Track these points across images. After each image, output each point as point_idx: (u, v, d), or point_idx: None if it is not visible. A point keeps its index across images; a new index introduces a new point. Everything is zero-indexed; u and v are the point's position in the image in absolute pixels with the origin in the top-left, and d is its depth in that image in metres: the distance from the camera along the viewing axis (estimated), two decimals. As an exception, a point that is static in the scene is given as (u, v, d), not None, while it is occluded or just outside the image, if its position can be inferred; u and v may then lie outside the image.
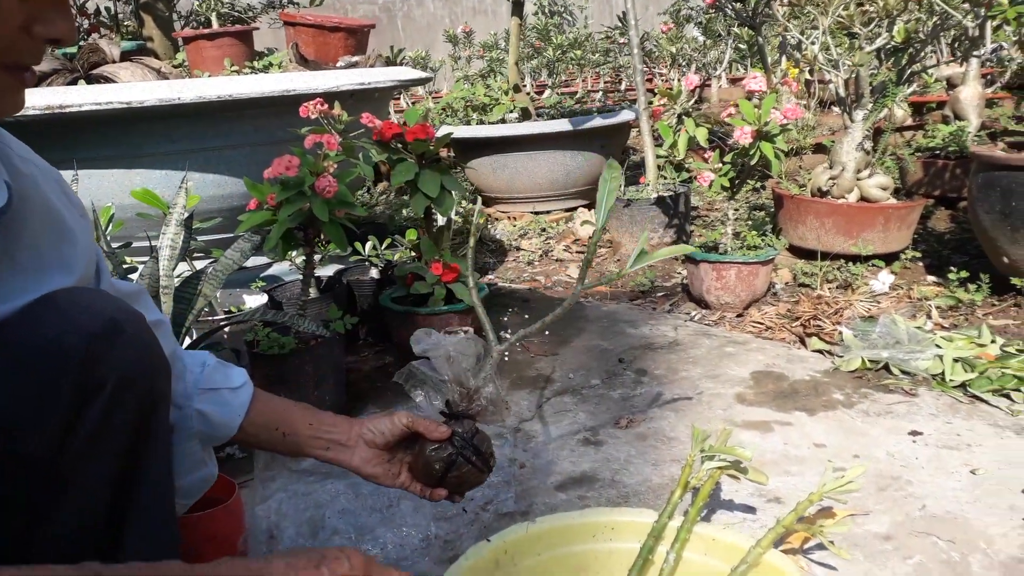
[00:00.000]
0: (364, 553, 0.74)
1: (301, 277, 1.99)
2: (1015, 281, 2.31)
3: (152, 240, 1.87)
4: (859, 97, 2.71)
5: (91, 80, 2.19)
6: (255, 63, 2.39)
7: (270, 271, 2.60)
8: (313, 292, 2.27)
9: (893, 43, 2.56)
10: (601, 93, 7.00)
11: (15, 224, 0.81)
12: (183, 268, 2.03)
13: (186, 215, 1.83)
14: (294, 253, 2.26)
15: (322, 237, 1.83)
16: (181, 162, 2.13)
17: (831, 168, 2.84)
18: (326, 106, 1.86)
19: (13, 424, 0.76)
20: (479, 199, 4.08)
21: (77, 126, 2.04)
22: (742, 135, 2.26)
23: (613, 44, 7.95)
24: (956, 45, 2.90)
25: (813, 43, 2.74)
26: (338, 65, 2.69)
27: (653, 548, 1.15)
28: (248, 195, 1.82)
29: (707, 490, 1.19)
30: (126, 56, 2.37)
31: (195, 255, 2.22)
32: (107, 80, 2.18)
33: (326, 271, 2.56)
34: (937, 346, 2.07)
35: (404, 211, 3.61)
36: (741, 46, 6.70)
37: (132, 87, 1.96)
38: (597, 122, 3.88)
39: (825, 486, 1.17)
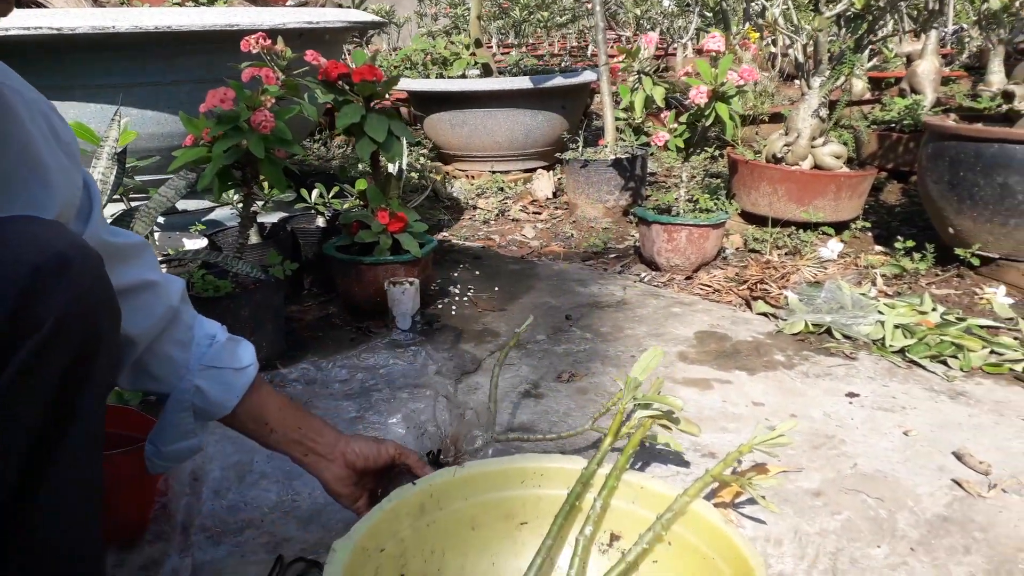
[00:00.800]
0: None
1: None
2: (959, 251, 2.34)
3: (82, 174, 1.79)
4: (817, 64, 2.70)
5: (22, 5, 2.08)
6: (200, -2, 2.29)
7: (212, 215, 2.52)
8: (255, 238, 2.21)
9: (853, 10, 2.55)
10: (567, 56, 6.93)
11: None
12: (120, 208, 1.95)
13: (118, 149, 1.76)
14: (234, 196, 2.19)
15: (260, 178, 1.76)
16: (118, 96, 2.03)
17: (786, 135, 2.84)
18: (269, 41, 1.78)
19: None
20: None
21: (5, 53, 1.93)
22: (698, 94, 2.23)
23: (580, 7, 7.86)
24: (916, 15, 2.90)
25: (775, 7, 2.72)
26: (287, 4, 2.60)
27: (581, 495, 1.13)
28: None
29: (637, 438, 1.17)
30: (62, -17, 2.25)
31: (133, 196, 2.13)
32: (38, 5, 2.07)
33: (270, 218, 2.49)
34: (879, 312, 2.08)
35: (360, 166, 3.53)
36: (707, 13, 6.66)
37: (65, 13, 1.86)
38: (558, 81, 3.82)
39: (756, 438, 1.16)
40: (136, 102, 2.11)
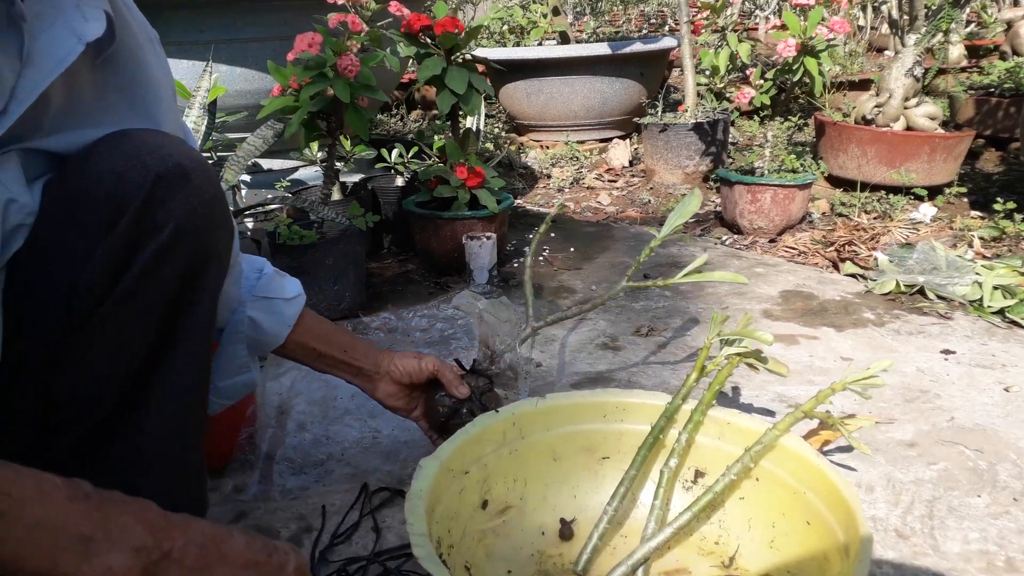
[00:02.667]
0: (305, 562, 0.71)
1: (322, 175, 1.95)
2: (1065, 213, 2.21)
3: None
4: (912, 20, 2.58)
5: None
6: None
7: (296, 175, 2.57)
8: (337, 195, 2.25)
9: (953, -39, 2.42)
10: (645, 27, 6.82)
11: (111, 62, 0.80)
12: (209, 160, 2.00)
13: (208, 100, 1.80)
14: (318, 153, 2.23)
15: (344, 129, 1.79)
16: (208, 53, 2.09)
17: (878, 96, 2.72)
18: (354, -7, 1.80)
19: (67, 254, 0.74)
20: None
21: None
22: (786, 48, 2.16)
23: (659, -19, 7.72)
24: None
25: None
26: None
27: (665, 429, 1.11)
28: (276, 88, 1.78)
29: (724, 375, 1.15)
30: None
31: (221, 152, 2.19)
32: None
33: (352, 178, 2.53)
34: (977, 273, 1.99)
35: (437, 137, 3.56)
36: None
37: (158, -31, 1.92)
38: (637, 47, 3.76)
39: (848, 377, 1.12)
40: (225, 59, 2.16)
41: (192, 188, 0.79)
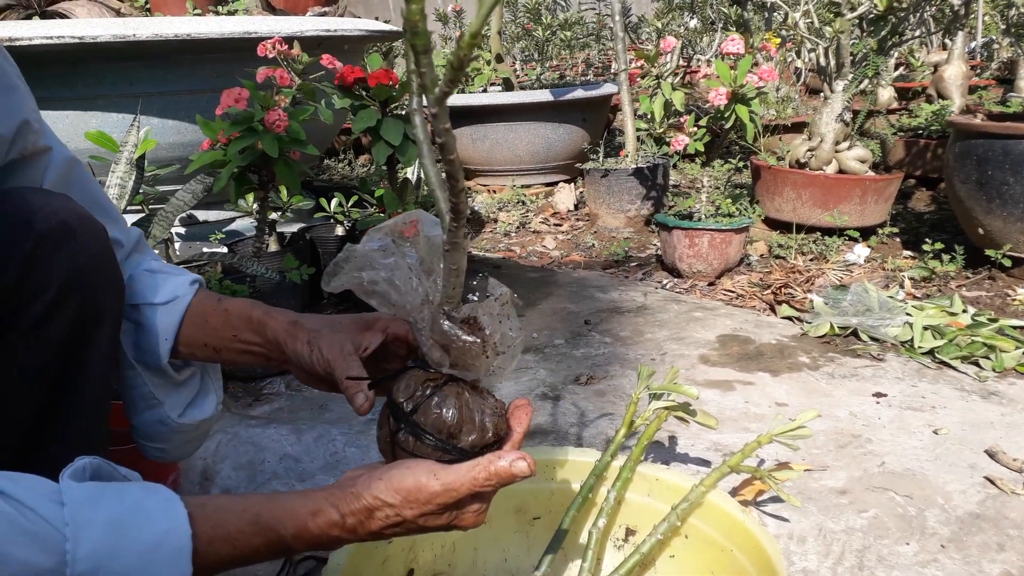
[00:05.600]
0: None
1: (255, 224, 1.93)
2: (990, 252, 2.28)
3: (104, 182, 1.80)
4: (840, 67, 2.66)
5: (46, 16, 2.11)
6: (219, 8, 2.31)
7: (232, 226, 2.53)
8: (274, 246, 2.22)
9: (875, 11, 2.51)
10: (589, 72, 6.95)
11: None
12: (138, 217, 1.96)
13: (137, 155, 1.77)
14: (252, 203, 2.20)
15: (277, 182, 1.77)
16: (138, 106, 2.06)
17: (810, 140, 2.80)
18: (285, 46, 1.79)
19: None
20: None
21: (30, 63, 1.94)
22: (717, 96, 2.21)
23: (605, 28, 7.88)
24: (941, 18, 2.85)
25: (796, 12, 2.69)
26: (308, 14, 2.62)
27: (594, 488, 1.10)
28: (206, 140, 1.75)
29: (652, 430, 1.14)
30: (86, -3, 2.31)
31: (153, 206, 2.15)
32: (62, 16, 2.11)
33: (290, 228, 2.50)
34: (908, 314, 2.03)
35: (384, 182, 3.55)
36: (731, 28, 6.65)
37: (86, 23, 1.89)
38: (579, 93, 3.82)
39: (776, 429, 1.12)
40: (157, 111, 2.13)
41: (77, 245, 0.78)
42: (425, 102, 0.56)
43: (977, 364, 1.82)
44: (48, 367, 0.78)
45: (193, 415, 0.95)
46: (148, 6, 2.29)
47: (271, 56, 1.79)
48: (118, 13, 2.24)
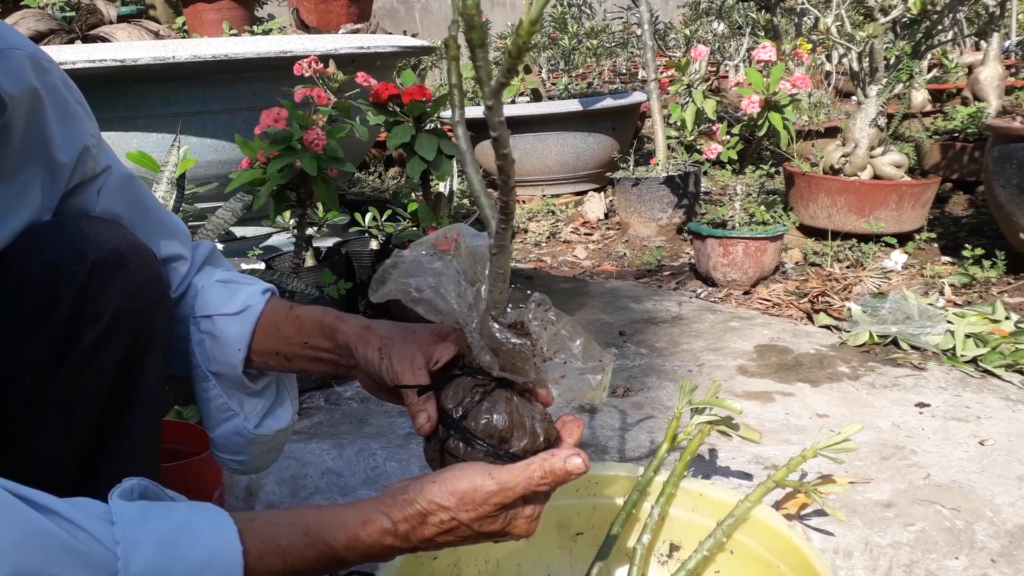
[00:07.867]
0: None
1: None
2: (1032, 258, 2.24)
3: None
4: (873, 71, 2.64)
5: (88, 40, 2.17)
6: (255, 28, 2.36)
7: (269, 242, 2.56)
8: (311, 261, 2.24)
9: (908, 15, 2.49)
10: (616, 80, 6.94)
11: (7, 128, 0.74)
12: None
13: (177, 174, 1.80)
14: (290, 219, 2.23)
15: (314, 199, 1.79)
16: (178, 125, 2.10)
17: (844, 146, 2.77)
18: (321, 65, 1.82)
19: (4, 345, 0.75)
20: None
21: (73, 87, 2.01)
22: (750, 104, 2.20)
23: (631, 36, 7.88)
24: (976, 19, 2.81)
25: (828, 17, 2.68)
26: (339, 32, 2.66)
27: (638, 503, 1.09)
28: (246, 160, 1.78)
29: (695, 445, 1.14)
30: (125, 20, 2.36)
31: (192, 223, 2.19)
32: (103, 40, 2.16)
33: (325, 243, 2.52)
34: (948, 322, 2.00)
35: (414, 194, 3.57)
36: (759, 32, 6.61)
37: (127, 46, 1.94)
38: (608, 103, 3.82)
39: (820, 443, 1.11)
40: (195, 130, 2.17)
41: (129, 273, 0.80)
42: (468, 107, 0.57)
43: (1022, 372, 1.79)
44: (103, 392, 0.80)
45: (270, 425, 0.94)
46: (186, 27, 2.34)
47: (307, 75, 1.82)
48: (157, 35, 2.29)
